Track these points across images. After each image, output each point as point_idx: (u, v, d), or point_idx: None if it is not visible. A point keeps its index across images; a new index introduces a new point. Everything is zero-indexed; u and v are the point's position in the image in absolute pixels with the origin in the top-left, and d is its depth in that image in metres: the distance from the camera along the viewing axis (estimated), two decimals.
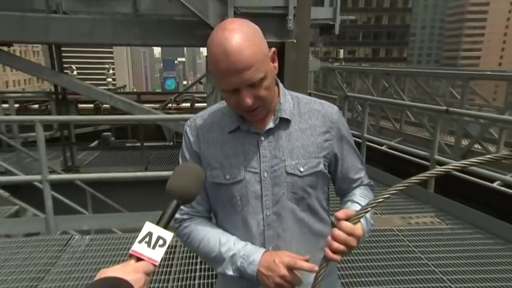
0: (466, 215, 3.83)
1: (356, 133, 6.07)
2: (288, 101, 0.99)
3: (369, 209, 0.78)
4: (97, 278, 0.66)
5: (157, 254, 0.71)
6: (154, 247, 0.71)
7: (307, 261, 0.88)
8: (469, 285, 2.72)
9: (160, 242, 0.71)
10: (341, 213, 0.83)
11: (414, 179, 0.74)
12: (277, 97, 0.98)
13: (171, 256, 3.05)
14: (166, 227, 0.73)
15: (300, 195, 0.96)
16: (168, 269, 2.87)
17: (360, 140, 5.46)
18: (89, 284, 0.64)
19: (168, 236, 0.72)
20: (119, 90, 12.29)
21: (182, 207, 0.98)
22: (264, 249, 0.92)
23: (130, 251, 0.71)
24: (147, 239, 0.71)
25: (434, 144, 4.31)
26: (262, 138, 0.95)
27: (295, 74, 4.48)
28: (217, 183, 0.97)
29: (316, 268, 0.84)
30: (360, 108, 8.92)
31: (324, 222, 1.04)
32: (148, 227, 0.72)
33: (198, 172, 0.82)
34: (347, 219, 0.82)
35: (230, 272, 0.92)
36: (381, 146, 5.72)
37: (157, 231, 0.72)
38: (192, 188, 0.79)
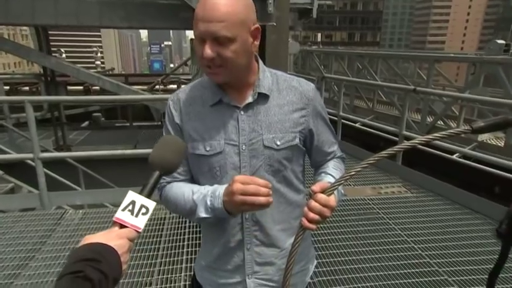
0: (429, 184, 3.92)
1: (332, 112, 6.10)
2: (267, 77, 0.98)
3: (342, 182, 0.79)
4: (81, 244, 0.64)
5: (140, 221, 0.70)
6: (137, 215, 0.69)
7: (269, 188, 0.84)
8: (429, 245, 2.80)
9: (143, 210, 0.70)
10: (316, 187, 0.83)
11: (384, 153, 0.75)
12: (256, 73, 0.96)
13: (160, 227, 3.04)
14: (149, 196, 0.72)
15: (276, 167, 0.95)
16: (158, 239, 2.87)
17: (336, 118, 5.50)
18: (74, 250, 0.62)
19: (151, 204, 0.71)
20: (107, 73, 11.94)
21: (164, 177, 0.97)
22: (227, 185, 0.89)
23: (114, 218, 0.70)
24: (130, 207, 0.70)
25: (403, 121, 4.37)
26: (242, 113, 0.94)
27: (276, 55, 4.43)
28: (197, 154, 0.95)
29: (265, 182, 0.84)
30: (336, 88, 8.97)
31: (299, 192, 1.04)
32: (131, 195, 0.71)
33: (179, 144, 0.80)
34: (322, 191, 0.82)
35: (203, 214, 0.90)
36: (356, 123, 5.77)
37: (140, 200, 0.70)
38: (173, 159, 0.77)
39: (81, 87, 9.32)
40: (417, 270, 2.48)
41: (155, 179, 0.73)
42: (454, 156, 4.24)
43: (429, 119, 7.06)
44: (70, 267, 0.58)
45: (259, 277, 1.02)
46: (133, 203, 0.70)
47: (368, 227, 3.07)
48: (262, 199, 0.81)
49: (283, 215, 0.97)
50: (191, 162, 0.99)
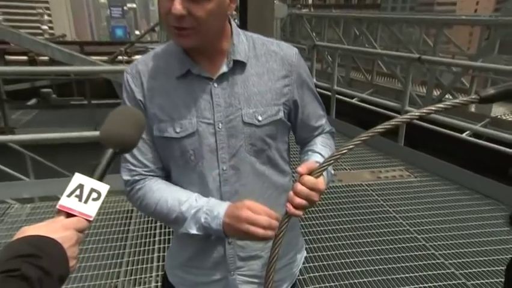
0: (434, 167, 4.02)
1: (325, 86, 6.15)
2: (243, 41, 0.96)
3: (332, 161, 0.80)
4: (16, 237, 0.61)
5: (91, 209, 0.68)
6: (86, 201, 0.67)
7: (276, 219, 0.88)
8: (434, 235, 2.88)
9: (94, 195, 0.68)
10: (302, 168, 0.83)
11: (380, 128, 0.75)
12: (230, 37, 0.95)
13: (127, 221, 3.07)
14: (101, 178, 0.70)
15: (259, 147, 0.96)
16: (124, 235, 2.89)
17: (329, 93, 5.55)
18: (8, 245, 0.59)
19: (103, 188, 0.69)
20: (58, 39, 11.58)
21: (132, 166, 0.97)
22: (229, 203, 0.92)
23: (57, 206, 0.67)
24: (78, 192, 0.68)
25: (406, 95, 4.43)
26: (215, 85, 0.93)
27: (260, 20, 4.37)
28: (166, 137, 0.94)
29: (277, 216, 0.86)
30: (330, 58, 8.96)
31: (285, 174, 1.05)
32: (78, 179, 0.69)
33: (136, 115, 0.78)
34: (309, 173, 0.83)
35: (193, 231, 0.92)
36: (352, 98, 5.83)
37: (90, 183, 0.69)
38: (130, 134, 0.75)
39: (25, 57, 8.96)
40: (421, 263, 2.54)
41: (108, 158, 0.71)
42: (464, 135, 4.32)
43: (436, 93, 7.16)
44: (3, 265, 0.55)
45: (243, 273, 1.03)
46: (80, 187, 0.68)
47: (365, 216, 3.14)
48: (271, 234, 0.84)
49: (269, 202, 0.96)
50: (159, 147, 0.98)
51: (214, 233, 0.90)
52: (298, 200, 0.82)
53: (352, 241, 2.80)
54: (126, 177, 0.98)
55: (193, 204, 0.92)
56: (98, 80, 8.40)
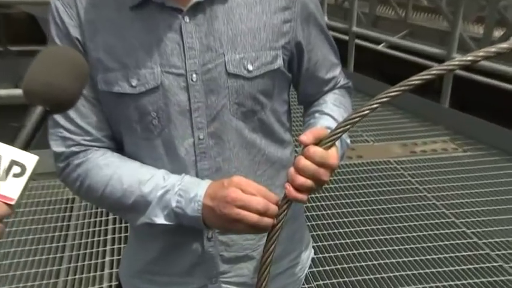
0: (491, 136, 4.02)
1: (340, 26, 6.08)
2: None
3: (348, 126, 0.79)
4: None
5: (12, 188, 0.66)
6: (5, 178, 0.66)
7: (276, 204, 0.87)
8: (488, 229, 2.90)
9: (16, 169, 0.66)
10: (308, 136, 0.83)
11: (415, 79, 0.75)
12: None
13: (67, 214, 3.09)
14: (26, 147, 0.68)
15: (249, 108, 0.97)
16: (64, 233, 2.91)
17: (346, 37, 5.51)
18: None
19: (29, 160, 0.67)
20: None
21: (68, 133, 0.96)
22: (210, 181, 0.92)
23: None
24: None
25: (454, 37, 4.38)
26: (187, 19, 0.91)
27: None
28: (117, 93, 0.93)
29: (277, 199, 0.87)
30: None
31: (284, 145, 1.07)
32: None
33: (75, 59, 0.75)
34: (317, 143, 0.82)
35: (160, 220, 0.92)
36: (378, 44, 5.81)
37: (10, 153, 0.67)
38: (65, 85, 0.72)
39: None
40: (473, 266, 2.59)
41: (36, 121, 0.70)
42: None
43: (498, 33, 7.12)
44: None
45: (228, 280, 1.05)
46: None
47: (393, 205, 3.14)
48: (269, 222, 0.84)
49: (263, 182, 0.97)
50: (107, 107, 0.98)
51: (189, 223, 0.90)
52: (302, 180, 0.82)
53: (375, 237, 2.81)
54: (58, 148, 0.98)
55: (159, 183, 0.92)
56: (18, 18, 8.24)
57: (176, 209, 0.90)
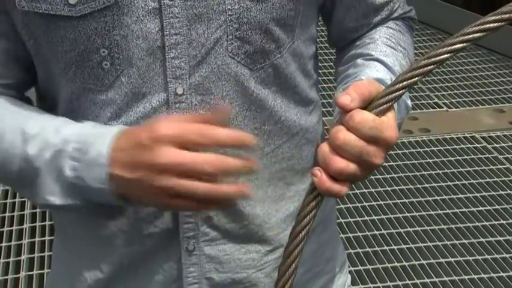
0: None
1: None
2: None
3: (415, 80, 0.67)
4: None
5: None
6: None
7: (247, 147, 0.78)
8: None
9: None
10: (351, 94, 0.67)
11: None
12: None
13: None
14: None
15: (258, 46, 0.85)
16: None
17: None
18: None
19: None
20: None
21: None
22: (122, 126, 0.81)
23: None
24: None
25: None
26: None
27: None
28: (45, 14, 0.81)
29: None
30: None
31: (309, 107, 0.98)
32: None
33: None
34: (364, 106, 0.68)
35: (59, 200, 0.81)
36: None
37: None
38: None
39: None
40: None
41: None
42: None
43: None
44: None
45: None
46: None
47: (482, 207, 2.73)
48: (228, 190, 0.76)
49: (274, 163, 0.92)
50: (30, 40, 0.87)
51: (100, 199, 0.82)
52: (342, 163, 0.67)
53: (451, 258, 2.41)
54: None
55: (49, 138, 0.83)
56: None
57: (73, 179, 0.79)
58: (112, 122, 0.88)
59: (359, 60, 0.94)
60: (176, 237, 0.89)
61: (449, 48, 0.65)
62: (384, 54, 0.93)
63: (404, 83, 0.68)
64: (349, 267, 1.10)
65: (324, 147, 0.69)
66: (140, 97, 0.85)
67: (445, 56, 0.65)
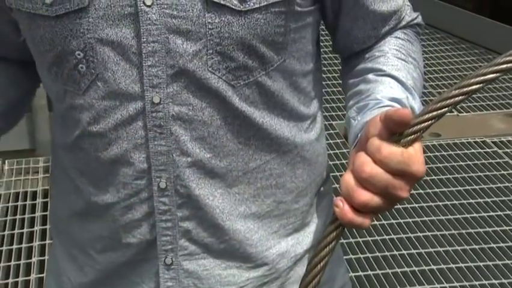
0: None
1: None
2: None
3: (444, 110, 0.65)
4: None
5: None
6: None
7: None
8: None
9: None
10: (379, 126, 0.68)
11: None
12: None
13: None
14: None
15: (241, 63, 0.84)
16: None
17: None
18: None
19: None
20: None
21: None
22: None
23: None
24: None
25: None
26: None
27: None
28: (28, 13, 0.83)
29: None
30: None
31: (304, 123, 0.96)
32: None
33: None
34: (396, 139, 0.68)
35: None
36: None
37: None
38: None
39: None
40: None
41: None
42: None
43: None
44: None
45: None
46: None
47: (493, 212, 2.74)
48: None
49: (264, 179, 0.92)
50: (23, 35, 0.90)
51: None
52: (366, 196, 0.68)
53: (461, 264, 2.41)
54: None
55: None
56: None
57: None
58: (91, 127, 0.87)
59: (371, 76, 0.92)
60: (155, 250, 0.89)
61: (480, 78, 0.64)
62: (396, 69, 0.92)
63: (434, 113, 0.67)
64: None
65: (348, 178, 0.69)
66: (118, 103, 0.84)
67: (476, 86, 0.64)
